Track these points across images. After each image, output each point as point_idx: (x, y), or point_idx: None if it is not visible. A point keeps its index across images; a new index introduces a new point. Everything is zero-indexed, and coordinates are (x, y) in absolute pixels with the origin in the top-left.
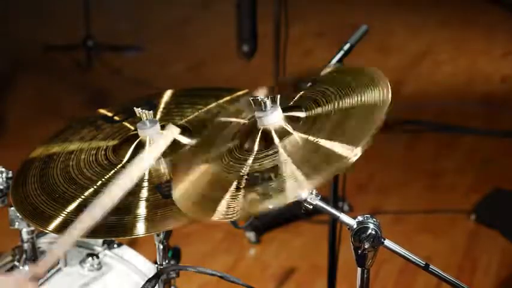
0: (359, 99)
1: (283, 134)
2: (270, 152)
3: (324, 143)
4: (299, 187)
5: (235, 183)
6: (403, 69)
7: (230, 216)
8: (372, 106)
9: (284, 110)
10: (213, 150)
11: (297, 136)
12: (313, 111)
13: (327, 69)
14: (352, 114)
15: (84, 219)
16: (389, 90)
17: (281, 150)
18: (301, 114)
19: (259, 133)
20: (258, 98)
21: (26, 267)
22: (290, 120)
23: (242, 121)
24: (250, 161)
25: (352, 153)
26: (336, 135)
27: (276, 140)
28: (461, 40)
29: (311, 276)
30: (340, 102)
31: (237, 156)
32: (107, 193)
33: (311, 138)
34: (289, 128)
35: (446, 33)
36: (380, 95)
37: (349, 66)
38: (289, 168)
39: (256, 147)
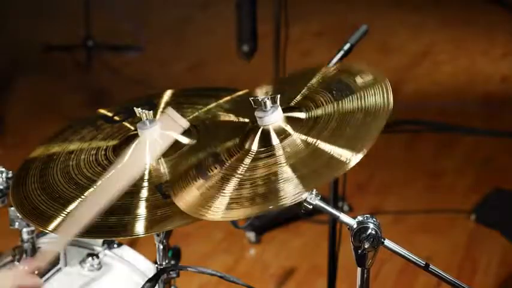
0: (360, 102)
1: (282, 134)
2: (269, 153)
3: (323, 146)
4: (296, 190)
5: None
6: (403, 69)
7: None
8: (373, 111)
9: (284, 110)
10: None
11: (296, 137)
12: (313, 112)
13: (330, 70)
14: (352, 118)
15: (80, 215)
16: (391, 94)
17: (280, 152)
18: (302, 115)
19: (259, 133)
20: (258, 98)
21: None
22: (290, 121)
23: (242, 120)
24: (248, 160)
25: (351, 157)
26: (335, 139)
27: (275, 140)
28: (461, 40)
29: (311, 276)
30: (341, 105)
31: (235, 155)
32: (104, 190)
33: (310, 140)
34: (289, 129)
35: (446, 33)
36: (382, 99)
37: (351, 66)
38: (286, 170)
39: (255, 147)
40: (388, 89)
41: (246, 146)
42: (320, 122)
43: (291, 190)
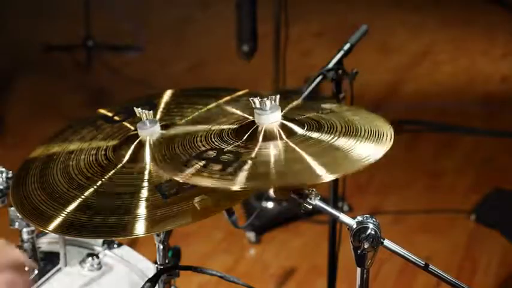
0: (357, 142)
1: (271, 136)
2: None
3: (305, 158)
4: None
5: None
6: (403, 69)
7: None
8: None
9: (286, 119)
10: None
11: (280, 143)
12: (311, 132)
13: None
14: (339, 151)
15: None
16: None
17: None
18: (299, 131)
19: (253, 128)
20: (259, 97)
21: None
22: (285, 129)
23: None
24: (232, 146)
25: (321, 178)
26: (318, 157)
27: (261, 138)
28: (461, 40)
29: (311, 276)
30: (340, 138)
31: (223, 138)
32: None
33: (297, 149)
34: (281, 134)
35: (446, 33)
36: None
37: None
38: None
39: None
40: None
41: (237, 135)
42: (312, 141)
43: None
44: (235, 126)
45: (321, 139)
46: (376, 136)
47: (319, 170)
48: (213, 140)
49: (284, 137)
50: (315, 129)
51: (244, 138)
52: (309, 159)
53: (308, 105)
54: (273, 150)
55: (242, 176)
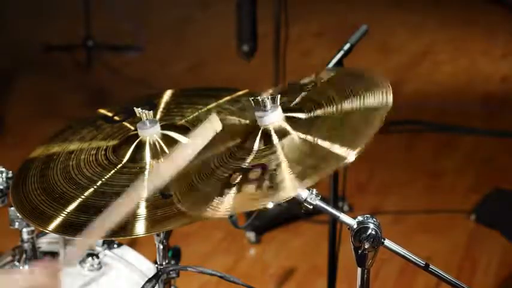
0: (360, 102)
1: (282, 133)
2: (269, 151)
3: (322, 143)
4: (293, 186)
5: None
6: (403, 69)
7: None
8: (372, 109)
9: (285, 110)
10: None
11: (295, 136)
12: (313, 112)
13: (329, 73)
14: (352, 117)
15: (110, 216)
16: (391, 93)
17: (279, 150)
18: (302, 116)
19: (259, 132)
20: (259, 97)
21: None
22: (290, 120)
23: (243, 120)
24: (249, 159)
25: (348, 154)
26: (334, 137)
27: (275, 139)
28: (461, 40)
29: (311, 276)
30: (341, 105)
31: (236, 155)
32: (134, 190)
33: (309, 138)
34: (288, 128)
35: (446, 33)
36: (381, 98)
37: (350, 68)
38: (284, 167)
39: (255, 147)
40: (388, 89)
41: (247, 146)
42: (319, 122)
43: (286, 187)
44: (238, 138)
45: (328, 114)
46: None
47: (342, 150)
48: (227, 160)
49: (293, 128)
50: (316, 108)
51: (256, 145)
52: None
53: (292, 89)
54: (292, 146)
55: (284, 182)
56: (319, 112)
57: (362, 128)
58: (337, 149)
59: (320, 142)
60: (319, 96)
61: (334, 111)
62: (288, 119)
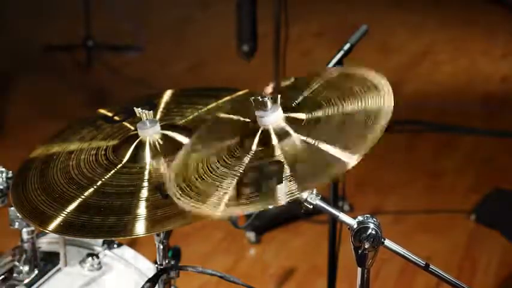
0: (361, 104)
1: (282, 134)
2: (267, 153)
3: (323, 146)
4: (293, 189)
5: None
6: (403, 69)
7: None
8: (373, 112)
9: (285, 111)
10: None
11: (296, 138)
12: (314, 113)
13: (332, 73)
14: (353, 120)
15: None
16: (392, 96)
17: (279, 152)
18: (302, 116)
19: (259, 133)
20: (259, 98)
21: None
22: (291, 121)
23: (243, 120)
24: (247, 159)
25: (350, 159)
26: (335, 140)
27: (275, 140)
28: (461, 40)
29: (311, 276)
30: (342, 107)
31: (235, 154)
32: None
33: (310, 140)
34: (289, 129)
35: (446, 33)
36: (382, 102)
37: (352, 69)
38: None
39: (254, 147)
40: (389, 92)
41: (246, 146)
42: (320, 124)
43: (287, 189)
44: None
45: (328, 116)
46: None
47: (344, 155)
48: (227, 160)
49: (294, 130)
50: (316, 109)
51: (255, 145)
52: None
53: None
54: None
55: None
56: (320, 114)
57: (363, 132)
58: (338, 153)
59: (321, 145)
60: (320, 97)
61: (336, 113)
62: (289, 120)
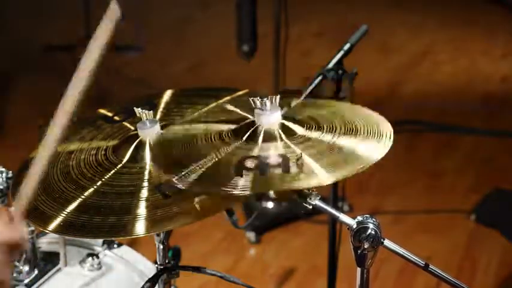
0: (358, 142)
1: (271, 137)
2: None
3: (305, 160)
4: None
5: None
6: (403, 69)
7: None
8: (362, 156)
9: (286, 119)
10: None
11: (280, 144)
12: (311, 132)
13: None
14: (342, 151)
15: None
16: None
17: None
18: (299, 131)
19: (253, 128)
20: (259, 98)
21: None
22: (285, 129)
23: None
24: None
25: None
26: (316, 159)
27: (260, 139)
28: (461, 40)
29: (311, 276)
30: (339, 138)
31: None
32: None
33: (297, 151)
34: (277, 135)
35: (446, 33)
36: (376, 148)
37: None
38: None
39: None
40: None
41: (238, 135)
42: (311, 142)
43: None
44: (233, 125)
45: (322, 139)
46: (376, 134)
47: (321, 173)
48: (214, 140)
49: (284, 138)
50: (314, 129)
51: (244, 138)
52: (310, 162)
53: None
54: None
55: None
56: (315, 135)
57: (342, 166)
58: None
59: (304, 160)
60: (322, 119)
61: (329, 141)
62: (284, 127)
